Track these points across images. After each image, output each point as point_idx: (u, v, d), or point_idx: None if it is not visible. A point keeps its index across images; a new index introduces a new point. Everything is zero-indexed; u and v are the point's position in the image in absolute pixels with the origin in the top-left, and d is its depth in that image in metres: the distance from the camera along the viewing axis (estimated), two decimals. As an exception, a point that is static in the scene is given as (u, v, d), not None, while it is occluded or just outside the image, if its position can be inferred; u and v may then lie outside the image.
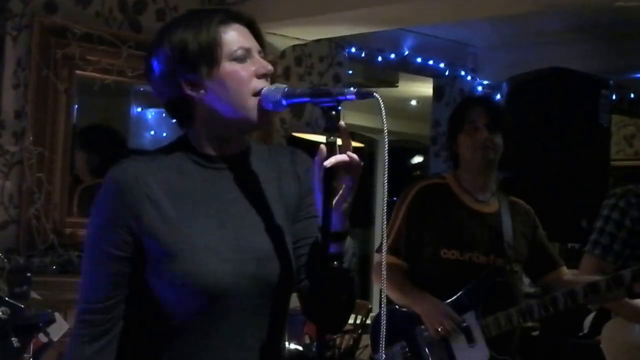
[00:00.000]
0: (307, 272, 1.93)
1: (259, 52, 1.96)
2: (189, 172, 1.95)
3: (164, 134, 5.64)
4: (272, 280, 1.90)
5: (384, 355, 1.88)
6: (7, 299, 3.54)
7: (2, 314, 3.50)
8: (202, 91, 1.92)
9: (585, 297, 3.33)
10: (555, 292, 3.38)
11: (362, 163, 1.79)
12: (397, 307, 3.44)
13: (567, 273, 3.58)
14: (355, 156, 1.78)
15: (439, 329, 3.30)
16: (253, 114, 1.91)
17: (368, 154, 8.10)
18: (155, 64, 1.95)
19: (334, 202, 1.80)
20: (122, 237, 1.90)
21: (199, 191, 1.94)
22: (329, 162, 1.77)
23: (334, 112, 1.80)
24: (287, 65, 6.01)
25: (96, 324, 1.94)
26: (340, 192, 1.81)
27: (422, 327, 3.37)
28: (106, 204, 1.93)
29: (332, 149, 1.78)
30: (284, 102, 1.87)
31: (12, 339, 3.45)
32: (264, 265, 1.90)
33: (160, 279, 1.89)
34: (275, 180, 2.01)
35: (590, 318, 5.50)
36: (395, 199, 3.55)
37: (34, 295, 4.13)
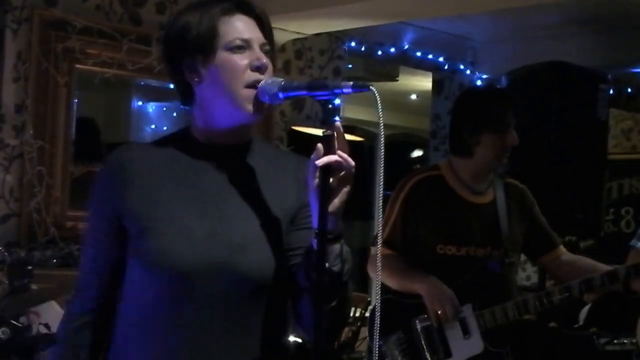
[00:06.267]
0: (300, 276, 1.91)
1: (263, 46, 1.96)
2: (181, 159, 1.98)
3: (165, 128, 5.65)
4: (243, 271, 1.89)
5: (377, 352, 1.88)
6: (11, 320, 3.56)
7: (2, 334, 3.51)
8: (199, 78, 1.94)
9: (580, 292, 3.38)
10: (550, 287, 3.42)
11: (354, 163, 1.78)
12: (395, 297, 3.44)
13: (564, 252, 3.60)
14: (346, 156, 1.77)
15: (439, 312, 3.30)
16: (247, 105, 1.92)
17: (368, 148, 8.10)
18: (163, 46, 1.99)
19: (328, 201, 1.79)
20: (109, 219, 1.96)
21: (187, 177, 1.96)
22: (320, 162, 1.76)
23: (330, 105, 1.81)
24: (287, 58, 6.02)
25: (86, 299, 2.02)
26: (334, 191, 1.79)
27: (419, 318, 3.38)
28: (96, 186, 2.00)
29: (328, 145, 1.77)
30: (280, 95, 1.87)
31: None
32: (235, 256, 1.89)
33: (135, 258, 1.93)
34: (275, 182, 2.00)
35: (585, 310, 5.53)
36: (390, 192, 3.55)
37: (34, 288, 4.14)
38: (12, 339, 3.52)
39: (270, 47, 1.98)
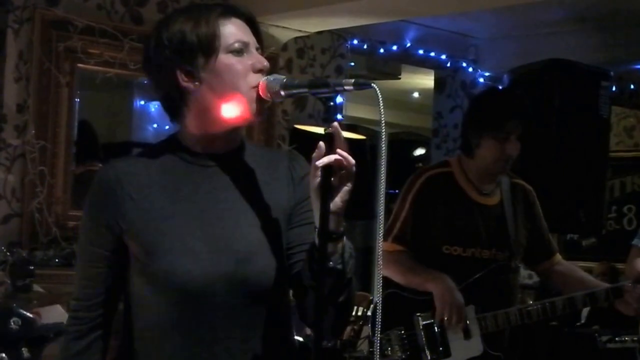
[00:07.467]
0: (304, 274, 1.91)
1: (257, 49, 1.97)
2: (175, 169, 1.96)
3: (167, 127, 5.64)
4: (252, 281, 1.90)
5: (378, 348, 1.88)
6: (20, 310, 3.57)
7: (14, 324, 3.52)
8: (198, 83, 1.92)
9: (584, 305, 3.41)
10: (555, 296, 3.43)
11: (354, 161, 1.78)
12: (398, 292, 3.44)
13: (559, 260, 3.61)
14: (346, 155, 1.77)
15: (446, 317, 3.31)
16: (249, 106, 1.92)
17: (371, 146, 8.09)
18: (153, 54, 1.96)
19: (330, 201, 1.79)
20: (104, 237, 1.94)
21: (184, 189, 1.95)
22: (320, 162, 1.77)
23: (332, 103, 1.81)
24: (289, 57, 6.01)
25: (84, 321, 1.99)
26: (336, 190, 1.79)
27: (421, 315, 3.38)
28: (90, 204, 1.98)
29: (329, 144, 1.78)
30: (282, 93, 1.87)
31: (23, 349, 3.48)
32: (243, 266, 1.89)
33: (140, 277, 1.92)
34: (269, 182, 2.00)
35: (587, 308, 5.53)
36: (395, 191, 3.54)
37: (36, 288, 4.15)
38: (22, 329, 3.53)
39: (261, 50, 1.99)
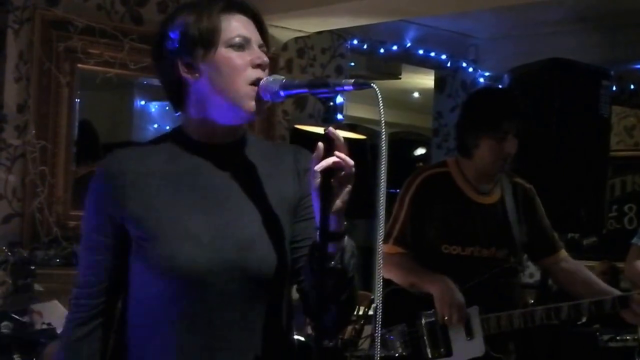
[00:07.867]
0: (306, 273, 1.92)
1: (260, 46, 1.97)
2: (178, 158, 1.97)
3: (167, 127, 5.65)
4: (254, 270, 1.90)
5: (379, 348, 1.88)
6: (12, 314, 3.57)
7: (5, 328, 3.52)
8: (197, 75, 1.93)
9: (590, 313, 3.40)
10: (560, 302, 3.43)
11: (353, 162, 1.78)
12: (402, 288, 3.44)
13: (564, 257, 3.59)
14: (345, 157, 1.78)
15: (446, 317, 3.31)
16: (247, 103, 1.92)
17: (371, 146, 8.09)
18: (157, 44, 1.98)
19: (330, 202, 1.79)
20: (106, 225, 1.95)
21: (186, 177, 1.95)
22: (319, 167, 1.77)
23: (332, 103, 1.81)
24: (289, 57, 6.02)
25: (86, 308, 2.00)
26: (336, 192, 1.80)
27: (424, 313, 3.38)
28: (92, 194, 1.99)
29: (329, 144, 1.78)
30: (282, 93, 1.87)
31: (14, 355, 3.49)
32: (245, 254, 1.90)
33: (142, 263, 1.92)
34: (274, 175, 2.01)
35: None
36: (396, 190, 3.54)
37: (37, 287, 4.16)
38: (14, 333, 3.53)
39: (267, 49, 1.99)
